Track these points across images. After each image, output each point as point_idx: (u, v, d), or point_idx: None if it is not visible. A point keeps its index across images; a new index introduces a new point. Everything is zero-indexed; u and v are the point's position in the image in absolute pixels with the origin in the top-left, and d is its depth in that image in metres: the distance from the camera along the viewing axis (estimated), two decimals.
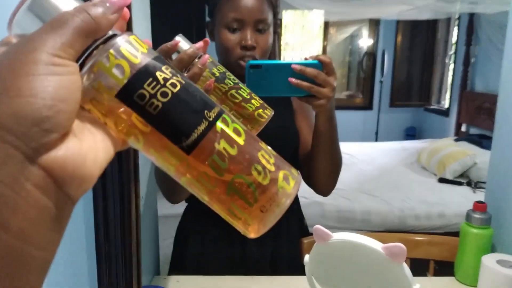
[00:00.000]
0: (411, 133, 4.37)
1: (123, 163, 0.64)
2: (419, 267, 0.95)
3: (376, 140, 4.18)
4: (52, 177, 0.19)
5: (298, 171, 0.26)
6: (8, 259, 0.18)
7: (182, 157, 0.23)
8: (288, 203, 0.24)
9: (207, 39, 0.59)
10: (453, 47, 3.83)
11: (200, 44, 0.57)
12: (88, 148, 0.21)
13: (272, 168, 0.24)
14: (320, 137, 0.79)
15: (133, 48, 0.22)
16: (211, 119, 0.23)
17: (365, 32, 4.26)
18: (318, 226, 0.57)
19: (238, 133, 0.24)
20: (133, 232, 0.67)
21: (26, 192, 0.18)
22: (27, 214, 0.18)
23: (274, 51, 0.86)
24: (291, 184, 0.24)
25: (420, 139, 3.83)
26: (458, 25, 3.72)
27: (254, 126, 0.59)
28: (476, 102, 3.22)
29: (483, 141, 2.70)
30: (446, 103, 3.95)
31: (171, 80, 0.23)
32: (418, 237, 1.02)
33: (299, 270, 0.77)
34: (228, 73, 0.60)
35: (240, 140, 0.24)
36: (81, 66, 0.22)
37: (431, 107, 4.23)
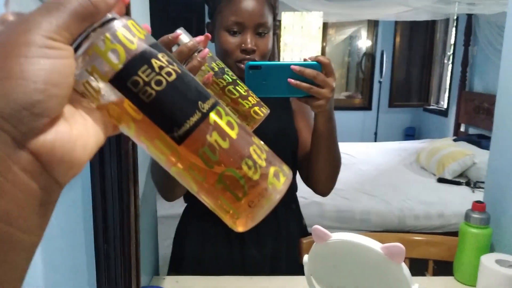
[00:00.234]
0: (410, 133, 4.37)
1: (122, 164, 0.64)
2: (418, 267, 0.95)
3: (375, 140, 4.18)
4: (40, 161, 0.19)
5: (290, 169, 0.25)
6: None
7: (172, 147, 0.22)
8: (277, 198, 0.24)
9: (208, 34, 0.59)
10: (452, 47, 3.83)
11: (200, 38, 0.57)
12: (78, 133, 0.21)
13: (263, 164, 0.24)
14: (319, 138, 0.79)
15: (130, 33, 0.22)
16: (204, 110, 0.23)
17: (363, 33, 4.27)
18: (317, 226, 0.57)
19: (231, 126, 0.24)
20: (132, 232, 0.67)
21: (13, 175, 0.18)
22: (14, 198, 0.18)
23: (273, 52, 0.86)
24: (281, 181, 0.24)
25: (419, 139, 3.84)
26: (457, 26, 3.72)
27: (249, 123, 0.59)
28: (474, 102, 3.22)
29: (482, 141, 2.70)
30: (445, 103, 3.96)
31: (167, 69, 0.22)
32: (417, 237, 1.02)
33: (298, 270, 0.77)
34: (226, 69, 0.60)
35: (233, 134, 0.23)
36: (76, 49, 0.21)
37: (430, 107, 4.24)
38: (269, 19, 0.79)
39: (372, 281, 0.57)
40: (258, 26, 0.77)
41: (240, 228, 0.24)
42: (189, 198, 0.94)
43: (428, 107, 4.28)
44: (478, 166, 2.42)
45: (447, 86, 3.92)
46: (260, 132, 0.59)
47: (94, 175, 0.63)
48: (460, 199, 2.15)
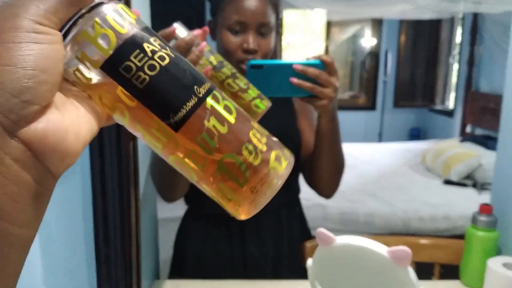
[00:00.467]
0: (415, 134, 4.34)
1: (122, 166, 0.64)
2: (424, 271, 0.94)
3: (380, 141, 4.16)
4: (32, 151, 0.18)
5: (291, 153, 0.25)
6: None
7: (169, 134, 0.22)
8: (280, 184, 0.23)
9: (206, 27, 0.58)
10: (457, 47, 3.80)
11: (198, 31, 0.56)
12: (70, 122, 0.20)
13: (264, 148, 0.23)
14: (322, 138, 0.78)
15: (120, 17, 0.21)
16: (201, 95, 0.22)
17: (367, 32, 4.24)
18: (322, 229, 0.56)
19: (229, 110, 0.23)
20: (132, 235, 0.66)
21: (5, 166, 0.17)
22: (6, 190, 0.18)
23: (275, 51, 0.85)
24: (283, 165, 0.23)
25: (425, 140, 3.81)
26: (462, 25, 3.69)
27: (251, 117, 0.58)
28: (481, 103, 3.19)
29: (488, 142, 2.67)
30: (450, 104, 3.92)
31: (160, 53, 0.21)
32: (423, 240, 1.00)
33: (301, 273, 0.76)
34: (225, 62, 0.60)
35: (231, 118, 0.23)
36: (65, 36, 0.21)
37: (436, 107, 4.21)
38: (272, 19, 0.78)
39: (378, 286, 0.56)
40: (261, 25, 0.76)
41: (243, 216, 0.23)
42: (190, 200, 0.93)
43: (433, 107, 4.25)
44: (485, 167, 2.39)
45: (453, 86, 3.89)
46: None
47: (94, 177, 0.63)
48: (466, 201, 2.13)
